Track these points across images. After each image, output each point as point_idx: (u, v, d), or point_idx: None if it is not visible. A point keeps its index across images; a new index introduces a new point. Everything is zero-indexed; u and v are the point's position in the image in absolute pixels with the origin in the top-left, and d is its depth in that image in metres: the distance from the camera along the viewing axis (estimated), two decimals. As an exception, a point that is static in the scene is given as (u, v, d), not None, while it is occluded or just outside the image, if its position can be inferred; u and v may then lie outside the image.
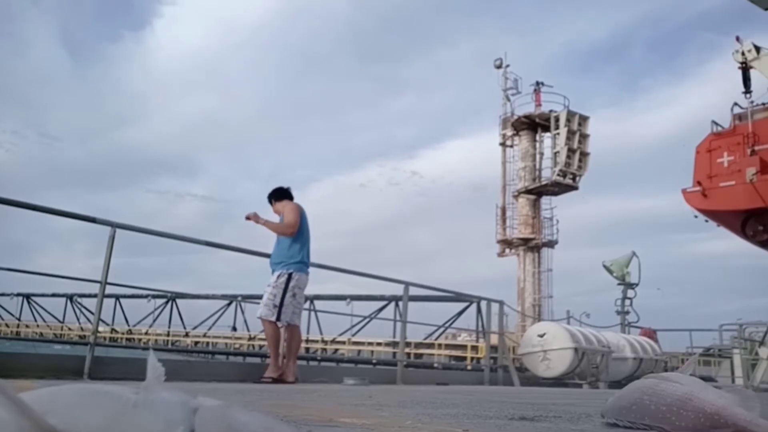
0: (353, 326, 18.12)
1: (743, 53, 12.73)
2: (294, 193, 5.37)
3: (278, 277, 4.99)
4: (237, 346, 22.84)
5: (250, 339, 22.10)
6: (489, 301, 8.90)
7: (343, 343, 20.78)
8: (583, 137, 21.11)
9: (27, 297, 29.79)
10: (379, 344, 19.28)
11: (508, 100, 23.10)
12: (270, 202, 5.32)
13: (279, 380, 4.86)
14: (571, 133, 20.65)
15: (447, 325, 16.63)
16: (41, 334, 26.41)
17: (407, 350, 12.12)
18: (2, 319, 28.84)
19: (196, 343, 24.35)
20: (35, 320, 29.63)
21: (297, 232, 5.08)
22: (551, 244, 21.90)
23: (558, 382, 9.31)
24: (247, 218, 5.00)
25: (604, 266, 18.87)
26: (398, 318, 9.05)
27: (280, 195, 5.28)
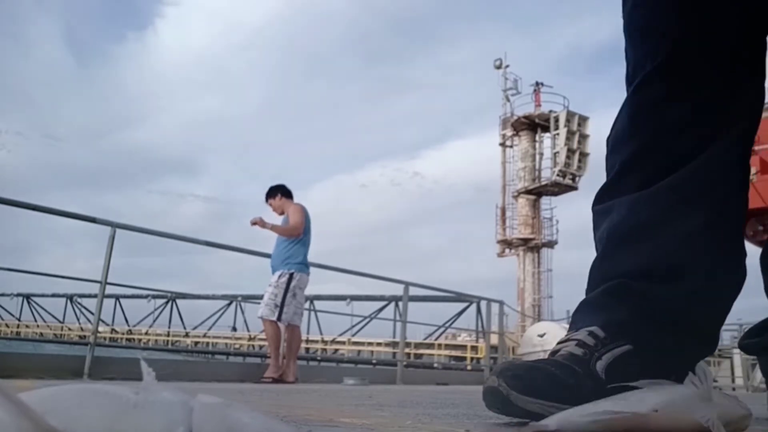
0: (353, 326, 18.12)
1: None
2: (296, 193, 5.39)
3: (279, 277, 5.00)
4: (237, 346, 22.85)
5: (250, 339, 22.11)
6: (489, 301, 8.90)
7: (343, 343, 20.79)
8: (583, 137, 21.12)
9: (27, 297, 29.80)
10: (379, 344, 19.29)
11: (508, 100, 23.14)
12: (267, 201, 5.33)
13: (279, 380, 4.86)
14: (570, 134, 20.66)
15: (447, 325, 16.64)
16: (41, 334, 26.40)
17: (407, 350, 12.12)
18: (2, 319, 28.85)
19: (196, 343, 24.36)
20: (35, 320, 29.65)
21: (301, 232, 5.11)
22: (551, 244, 21.93)
23: (558, 382, 9.31)
24: (253, 223, 4.97)
25: (604, 266, 18.82)
26: (398, 318, 9.05)
27: (275, 191, 5.30)
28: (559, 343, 1.00)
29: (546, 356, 1.07)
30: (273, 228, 5.03)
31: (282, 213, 5.26)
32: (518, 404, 0.87)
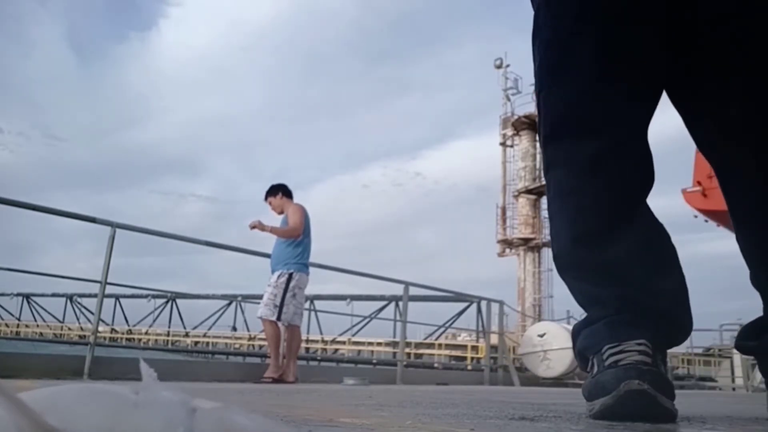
0: (353, 326, 18.12)
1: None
2: (297, 193, 5.40)
3: (279, 276, 5.00)
4: (237, 346, 22.84)
5: (250, 339, 22.11)
6: (489, 301, 8.90)
7: (343, 343, 20.79)
8: (583, 137, 21.10)
9: (27, 297, 29.79)
10: (379, 344, 19.29)
11: (509, 100, 23.14)
12: (266, 199, 5.33)
13: (279, 380, 4.86)
14: (571, 133, 20.64)
15: (447, 325, 16.63)
16: (41, 334, 26.40)
17: (407, 350, 12.12)
18: (2, 319, 28.83)
19: (196, 343, 24.36)
20: (35, 320, 29.64)
21: (300, 232, 5.11)
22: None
23: (558, 382, 9.31)
24: (252, 227, 4.96)
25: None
26: (398, 318, 9.04)
27: (276, 190, 5.30)
28: (620, 351, 1.14)
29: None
30: (272, 230, 5.02)
31: (281, 212, 5.26)
32: (665, 405, 1.04)
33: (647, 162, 1.30)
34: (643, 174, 1.29)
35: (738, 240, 1.34)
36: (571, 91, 1.27)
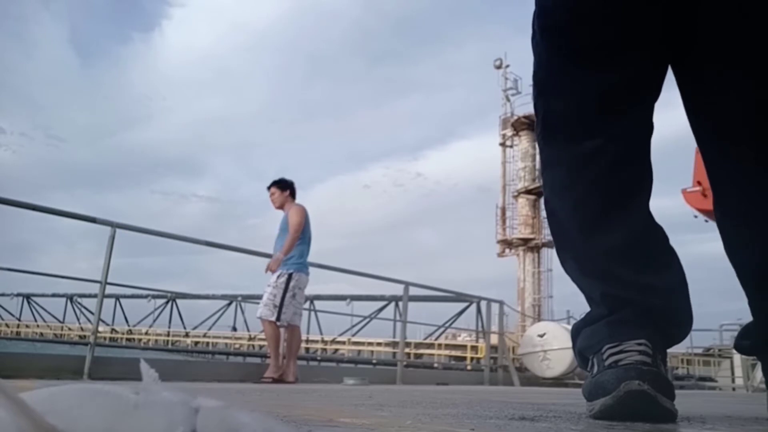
0: (353, 326, 18.12)
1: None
2: (298, 193, 5.40)
3: (278, 277, 5.00)
4: (237, 346, 22.84)
5: (250, 339, 22.10)
6: (489, 301, 8.90)
7: (343, 343, 20.79)
8: (583, 137, 21.10)
9: (27, 297, 29.78)
10: (379, 344, 19.29)
11: (508, 100, 23.14)
12: (269, 189, 5.33)
13: (279, 380, 4.86)
14: (571, 133, 20.64)
15: (447, 325, 16.63)
16: (41, 334, 26.39)
17: (407, 350, 12.12)
18: (2, 319, 28.82)
19: (196, 343, 24.35)
20: (35, 320, 29.62)
21: (300, 233, 5.12)
22: (551, 244, 21.87)
23: (558, 382, 9.31)
24: (270, 269, 5.04)
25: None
26: (398, 318, 9.04)
27: (284, 186, 5.32)
28: (620, 351, 1.14)
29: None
30: (281, 256, 5.03)
31: (280, 207, 5.26)
32: (665, 405, 1.05)
33: (639, 162, 1.30)
34: (636, 173, 1.29)
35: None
36: (566, 92, 1.28)
